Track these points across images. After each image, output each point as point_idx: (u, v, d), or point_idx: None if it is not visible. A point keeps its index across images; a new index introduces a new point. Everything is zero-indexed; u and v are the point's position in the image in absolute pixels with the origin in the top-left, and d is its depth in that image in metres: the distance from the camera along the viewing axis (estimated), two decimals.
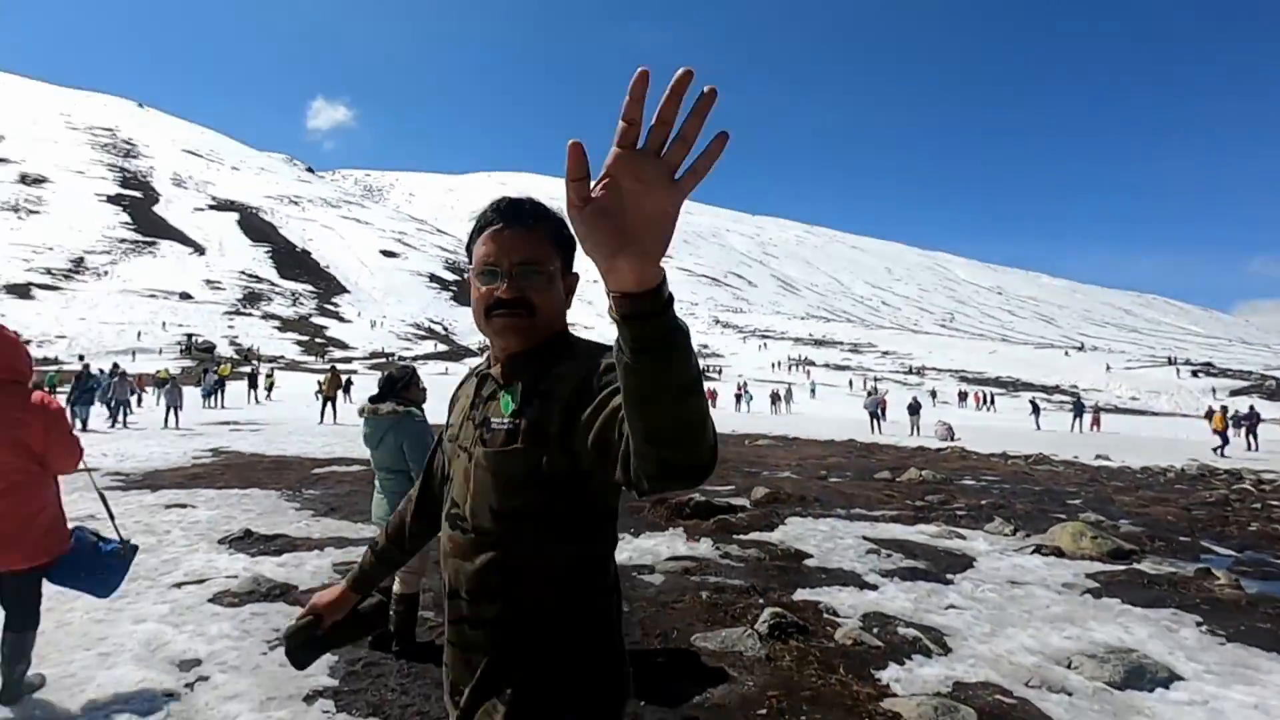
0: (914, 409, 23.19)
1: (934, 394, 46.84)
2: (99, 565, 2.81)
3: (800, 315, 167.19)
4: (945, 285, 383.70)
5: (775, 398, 34.60)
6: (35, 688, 2.80)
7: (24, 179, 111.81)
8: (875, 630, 3.77)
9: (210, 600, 4.00)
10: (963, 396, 44.56)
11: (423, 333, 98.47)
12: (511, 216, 1.08)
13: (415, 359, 76.76)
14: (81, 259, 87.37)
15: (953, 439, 20.01)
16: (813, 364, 72.57)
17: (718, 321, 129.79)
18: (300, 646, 1.31)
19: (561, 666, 1.04)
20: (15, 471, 2.56)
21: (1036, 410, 28.71)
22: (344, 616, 1.33)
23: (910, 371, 68.86)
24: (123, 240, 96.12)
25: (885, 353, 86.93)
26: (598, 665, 1.07)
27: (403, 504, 1.39)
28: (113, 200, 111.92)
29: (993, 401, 43.15)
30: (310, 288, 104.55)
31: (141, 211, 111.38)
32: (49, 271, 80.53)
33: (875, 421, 22.52)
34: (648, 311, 0.66)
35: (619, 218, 0.63)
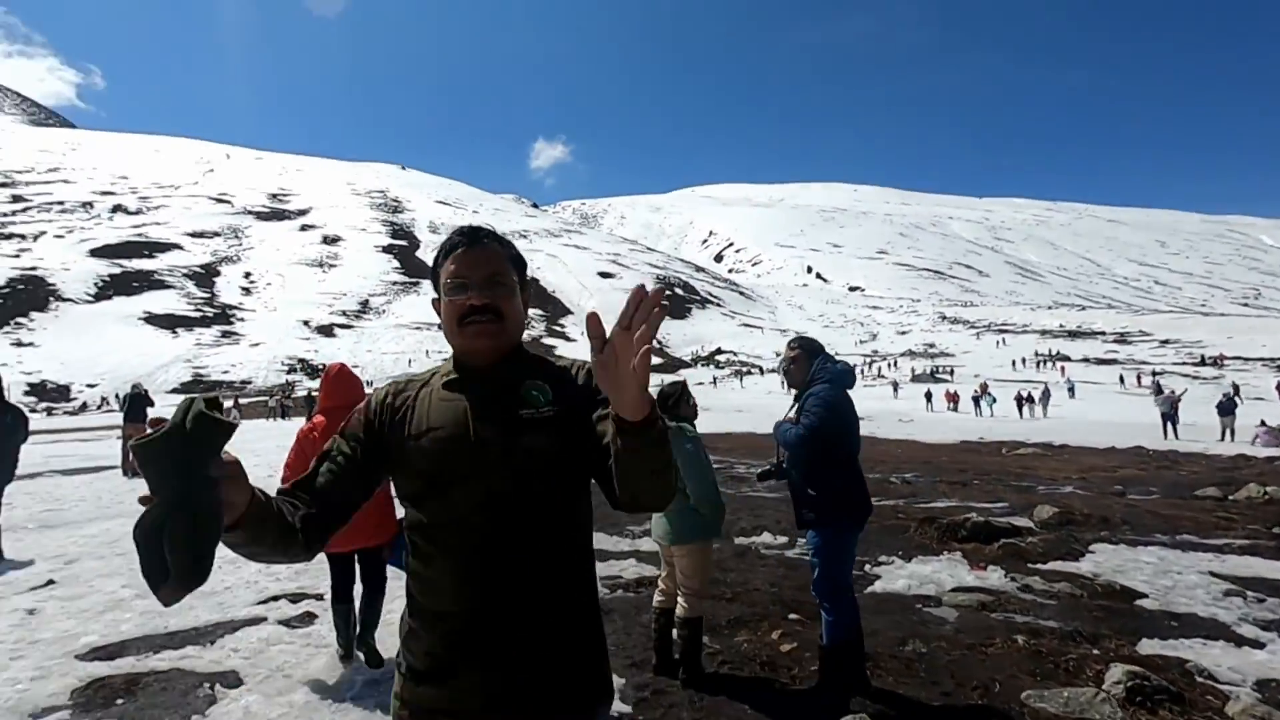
0: (1226, 408, 18.87)
1: (1236, 388, 37.98)
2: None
3: (1046, 304, 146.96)
4: (1245, 255, 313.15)
5: (1023, 399, 30.47)
6: (384, 661, 3.37)
7: (325, 240, 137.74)
8: None
9: None
10: None
11: None
12: (475, 239, 1.23)
13: None
14: (367, 301, 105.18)
15: None
16: (1067, 359, 63.06)
17: (944, 318, 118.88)
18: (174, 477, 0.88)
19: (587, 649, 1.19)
20: None
21: None
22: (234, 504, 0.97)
23: (1203, 362, 56.79)
24: (395, 283, 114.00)
25: (1164, 341, 72.84)
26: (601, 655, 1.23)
27: (287, 508, 1.12)
28: (386, 250, 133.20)
29: None
30: (540, 312, 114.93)
31: (407, 257, 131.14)
32: (344, 313, 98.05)
33: (1169, 424, 18.72)
34: (639, 432, 0.95)
35: (613, 370, 0.91)
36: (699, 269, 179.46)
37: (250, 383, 63.84)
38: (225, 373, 67.20)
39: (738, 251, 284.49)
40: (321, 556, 3.26)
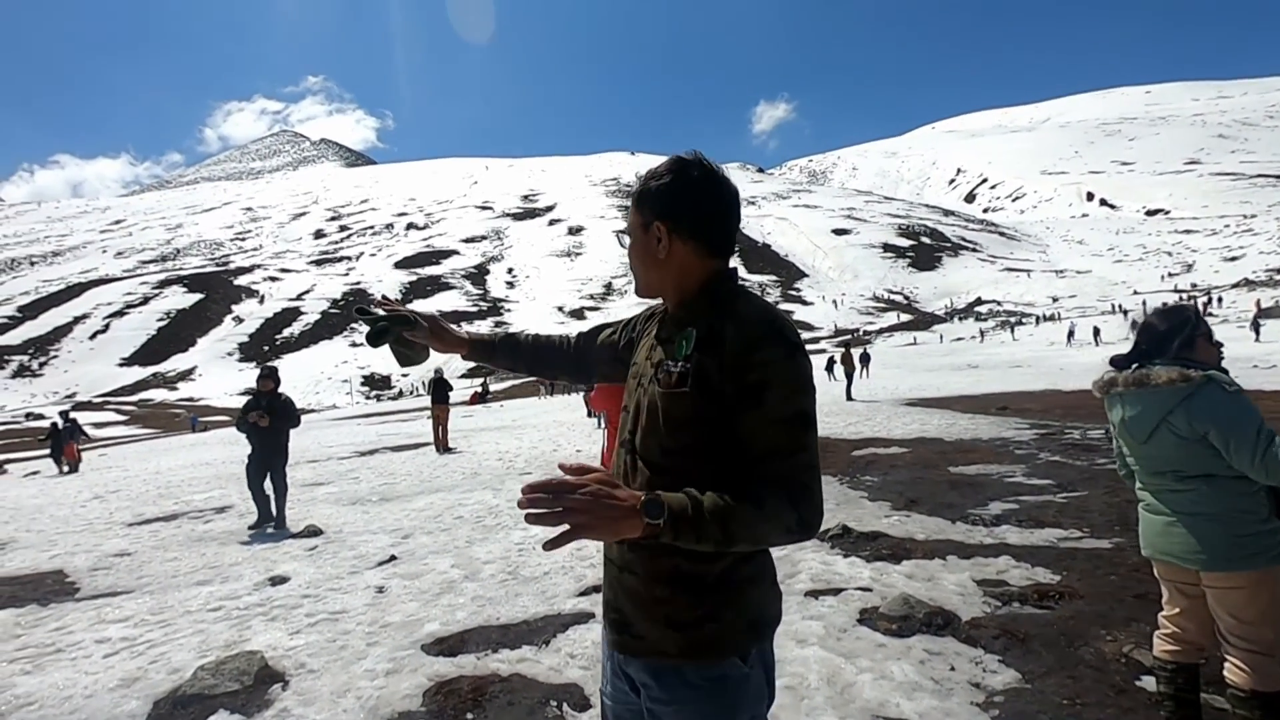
0: None
1: None
2: None
3: None
4: None
5: None
6: None
7: (570, 231, 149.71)
8: None
9: (860, 622, 3.34)
10: None
11: (883, 304, 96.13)
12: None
13: (879, 332, 74.75)
14: (609, 284, 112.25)
15: None
16: None
17: None
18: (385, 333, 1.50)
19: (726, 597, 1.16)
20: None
21: None
22: (417, 338, 1.52)
23: None
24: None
25: None
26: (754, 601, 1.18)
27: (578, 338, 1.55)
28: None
29: None
30: (773, 277, 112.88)
31: None
32: (591, 297, 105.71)
33: None
34: (654, 538, 0.99)
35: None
36: (947, 213, 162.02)
37: None
38: None
39: (993, 187, 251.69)
40: None
